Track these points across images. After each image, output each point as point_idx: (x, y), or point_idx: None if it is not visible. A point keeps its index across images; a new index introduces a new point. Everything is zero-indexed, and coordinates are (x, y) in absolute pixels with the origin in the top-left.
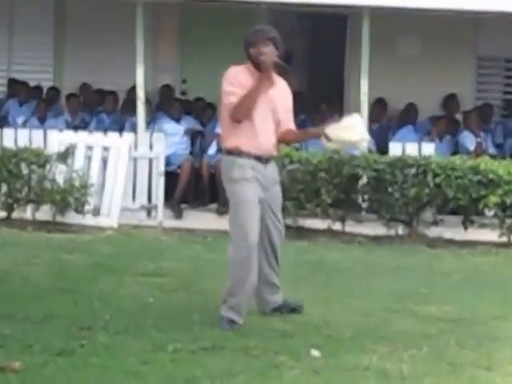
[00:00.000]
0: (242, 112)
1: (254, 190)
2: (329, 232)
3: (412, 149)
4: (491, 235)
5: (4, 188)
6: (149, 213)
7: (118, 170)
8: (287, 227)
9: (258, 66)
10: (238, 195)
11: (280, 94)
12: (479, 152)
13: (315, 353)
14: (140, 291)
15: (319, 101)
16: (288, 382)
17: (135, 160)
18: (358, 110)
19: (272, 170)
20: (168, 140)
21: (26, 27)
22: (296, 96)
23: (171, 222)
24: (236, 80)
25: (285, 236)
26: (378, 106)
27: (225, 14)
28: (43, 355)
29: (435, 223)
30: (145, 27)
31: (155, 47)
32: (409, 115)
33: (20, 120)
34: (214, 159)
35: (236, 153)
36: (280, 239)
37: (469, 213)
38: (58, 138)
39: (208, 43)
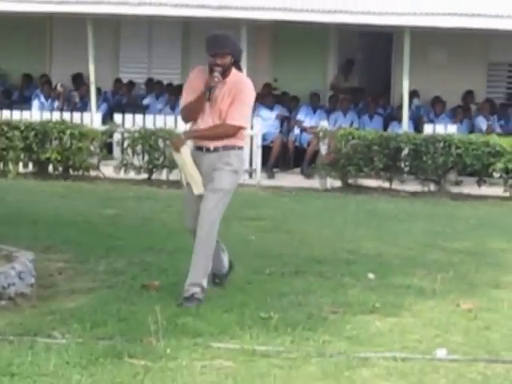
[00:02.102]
0: (185, 117)
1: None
2: (380, 189)
3: (440, 129)
4: (497, 191)
5: (146, 157)
6: (250, 175)
7: None
8: (349, 186)
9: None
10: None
11: (222, 95)
12: (489, 131)
13: (371, 275)
14: (244, 231)
15: (374, 95)
16: (351, 296)
17: None
18: (400, 101)
19: (213, 159)
20: (264, 123)
21: (161, 42)
22: (358, 91)
23: (266, 182)
24: (189, 83)
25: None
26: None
27: (304, 33)
28: (175, 277)
29: (457, 183)
30: (248, 43)
31: (255, 57)
32: (437, 105)
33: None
34: (297, 137)
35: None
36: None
37: (482, 175)
38: None
39: (292, 54)
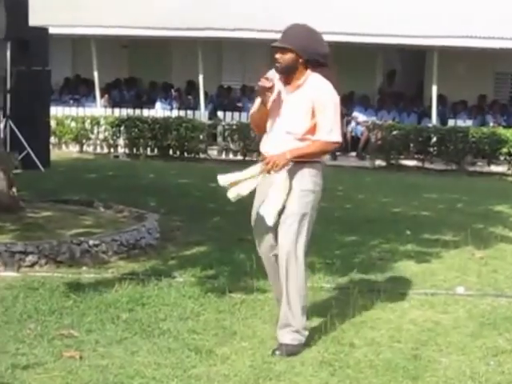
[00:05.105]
0: (253, 124)
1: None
2: (415, 167)
3: (460, 123)
4: (503, 169)
5: (241, 143)
6: None
7: None
8: (392, 165)
9: None
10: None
11: (294, 99)
12: (496, 125)
13: (408, 232)
14: None
15: (410, 97)
16: (393, 247)
17: None
18: (430, 103)
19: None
20: None
21: (252, 58)
22: (399, 94)
23: (330, 162)
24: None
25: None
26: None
27: (358, 50)
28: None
29: (472, 163)
30: None
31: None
32: (458, 105)
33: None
34: (353, 129)
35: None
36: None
37: (491, 157)
38: None
39: (349, 66)
